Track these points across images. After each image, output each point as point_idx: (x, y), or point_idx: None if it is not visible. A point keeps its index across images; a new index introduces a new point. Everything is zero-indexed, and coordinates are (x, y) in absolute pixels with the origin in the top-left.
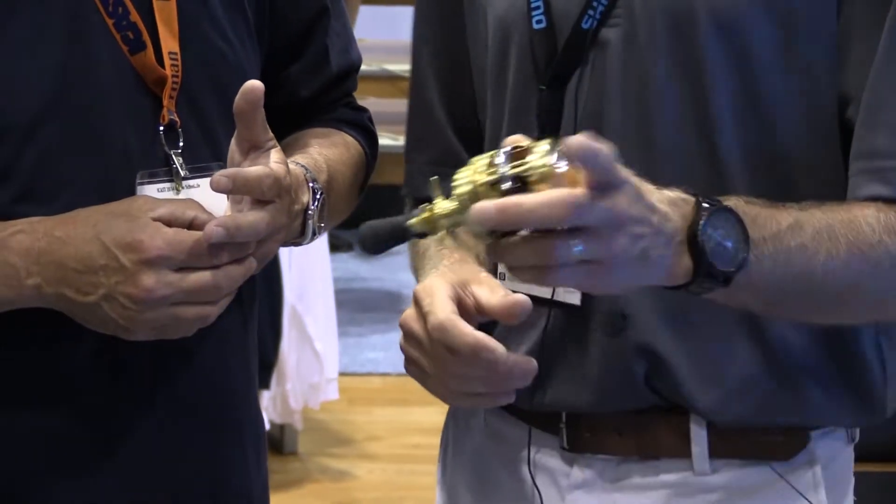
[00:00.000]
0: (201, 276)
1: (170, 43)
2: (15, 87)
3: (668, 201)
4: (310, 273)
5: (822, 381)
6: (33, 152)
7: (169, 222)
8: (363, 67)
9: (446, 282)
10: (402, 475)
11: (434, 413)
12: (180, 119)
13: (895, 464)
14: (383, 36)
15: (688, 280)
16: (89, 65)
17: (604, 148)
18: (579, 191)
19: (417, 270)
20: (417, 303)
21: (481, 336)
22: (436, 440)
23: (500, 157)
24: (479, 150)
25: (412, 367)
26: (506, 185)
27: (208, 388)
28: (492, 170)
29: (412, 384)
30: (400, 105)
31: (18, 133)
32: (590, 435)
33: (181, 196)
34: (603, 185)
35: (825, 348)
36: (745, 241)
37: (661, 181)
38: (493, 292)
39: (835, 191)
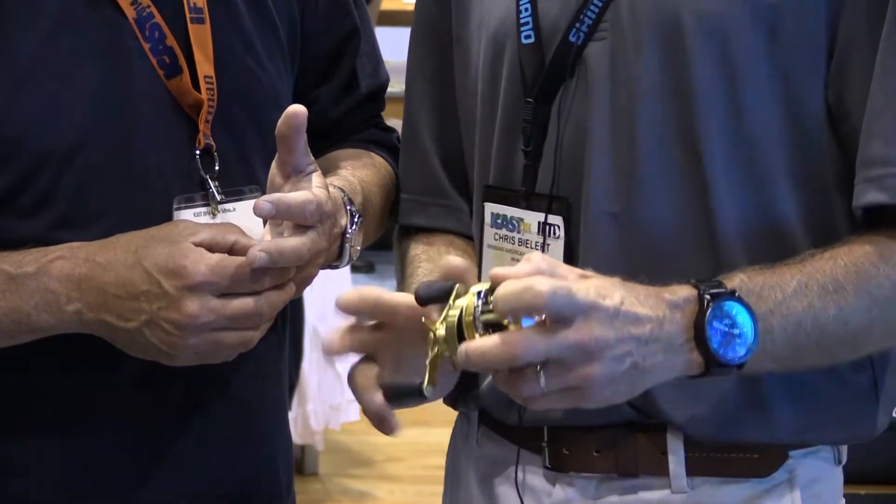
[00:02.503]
0: (244, 303)
1: (205, 67)
2: (54, 113)
3: (666, 305)
4: (331, 294)
5: (803, 398)
6: (72, 178)
7: (210, 247)
8: (390, 89)
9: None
10: (422, 496)
11: None
12: (216, 143)
13: (885, 486)
14: None
15: (702, 372)
16: (126, 89)
17: (550, 285)
18: (532, 330)
19: (402, 274)
20: None
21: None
22: None
23: (481, 295)
24: (463, 181)
25: None
26: (482, 325)
27: (246, 413)
28: (482, 304)
29: (433, 405)
30: None
31: (57, 159)
32: (569, 453)
33: (217, 220)
34: (563, 318)
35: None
36: (753, 324)
37: (644, 198)
38: None
39: (819, 200)
